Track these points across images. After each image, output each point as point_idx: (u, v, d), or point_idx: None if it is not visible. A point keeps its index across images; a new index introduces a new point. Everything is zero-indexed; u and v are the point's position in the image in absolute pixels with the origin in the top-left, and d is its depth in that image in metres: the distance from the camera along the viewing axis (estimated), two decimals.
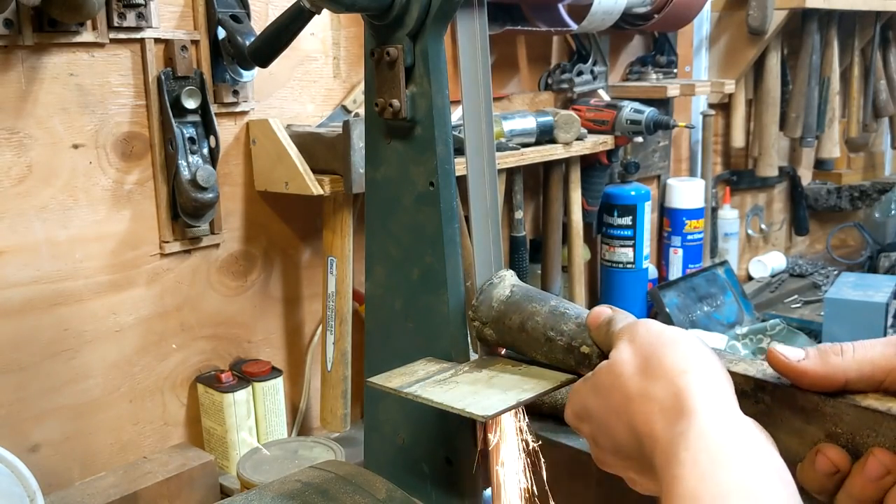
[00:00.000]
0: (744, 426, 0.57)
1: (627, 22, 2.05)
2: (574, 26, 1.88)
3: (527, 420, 0.88)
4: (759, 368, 0.65)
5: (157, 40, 1.36)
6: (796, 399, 0.63)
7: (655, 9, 2.04)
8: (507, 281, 0.87)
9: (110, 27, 1.30)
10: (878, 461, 0.58)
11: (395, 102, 0.86)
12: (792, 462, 0.56)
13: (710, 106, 2.56)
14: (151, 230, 1.41)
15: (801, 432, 0.62)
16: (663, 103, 2.19)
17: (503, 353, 0.89)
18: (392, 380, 0.83)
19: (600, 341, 0.75)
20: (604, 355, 0.74)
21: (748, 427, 0.57)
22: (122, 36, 1.32)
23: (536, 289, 0.87)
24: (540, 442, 0.88)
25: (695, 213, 2.37)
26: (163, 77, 1.35)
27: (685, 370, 0.61)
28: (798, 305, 2.51)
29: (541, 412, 1.23)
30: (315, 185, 1.41)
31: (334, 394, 1.54)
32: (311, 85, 1.59)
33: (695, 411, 0.57)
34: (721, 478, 0.52)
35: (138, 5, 1.31)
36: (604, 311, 0.76)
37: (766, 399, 0.64)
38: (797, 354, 0.62)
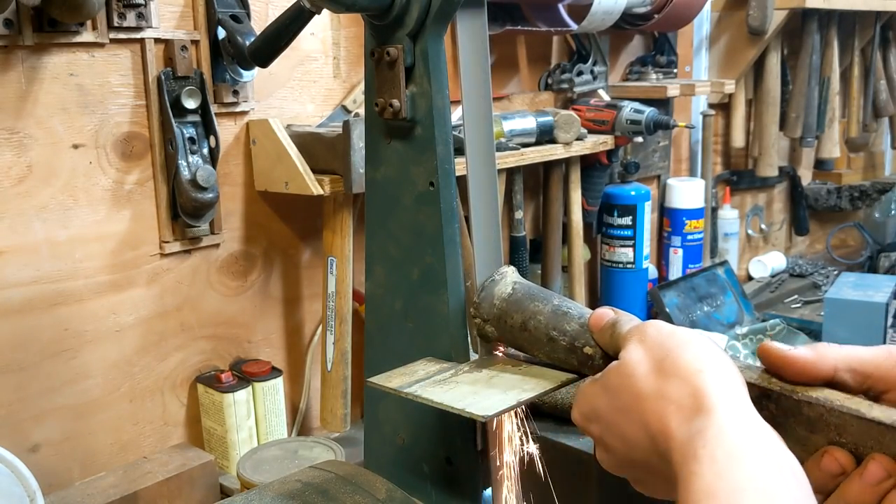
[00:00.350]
0: (759, 425, 0.58)
1: (627, 22, 2.05)
2: (574, 26, 1.88)
3: (527, 420, 0.88)
4: (765, 377, 0.65)
5: (157, 40, 1.36)
6: (801, 408, 0.63)
7: (655, 9, 2.04)
8: (509, 278, 0.87)
9: (110, 27, 1.30)
10: (879, 465, 0.58)
11: (395, 102, 0.86)
12: None
13: (710, 106, 2.56)
14: (151, 230, 1.41)
15: (804, 441, 0.63)
16: (663, 103, 2.19)
17: (503, 349, 0.89)
18: (392, 380, 0.83)
19: (604, 343, 0.75)
20: (607, 356, 0.74)
21: (763, 426, 0.58)
22: (122, 36, 1.32)
23: (538, 286, 0.87)
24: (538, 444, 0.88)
25: (695, 213, 2.37)
26: (163, 77, 1.35)
27: (700, 369, 0.61)
28: (798, 305, 2.51)
29: (541, 412, 1.23)
30: (315, 185, 1.41)
31: (334, 394, 1.54)
32: (311, 85, 1.59)
33: (712, 409, 0.58)
34: (738, 474, 0.53)
35: (138, 5, 1.31)
36: (607, 313, 0.76)
37: (770, 407, 0.65)
38: (786, 347, 0.65)
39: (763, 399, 0.65)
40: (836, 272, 2.68)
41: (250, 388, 1.48)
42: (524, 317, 0.83)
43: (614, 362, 0.69)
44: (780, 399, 0.64)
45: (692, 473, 0.54)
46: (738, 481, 0.52)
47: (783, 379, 0.65)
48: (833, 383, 0.63)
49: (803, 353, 0.63)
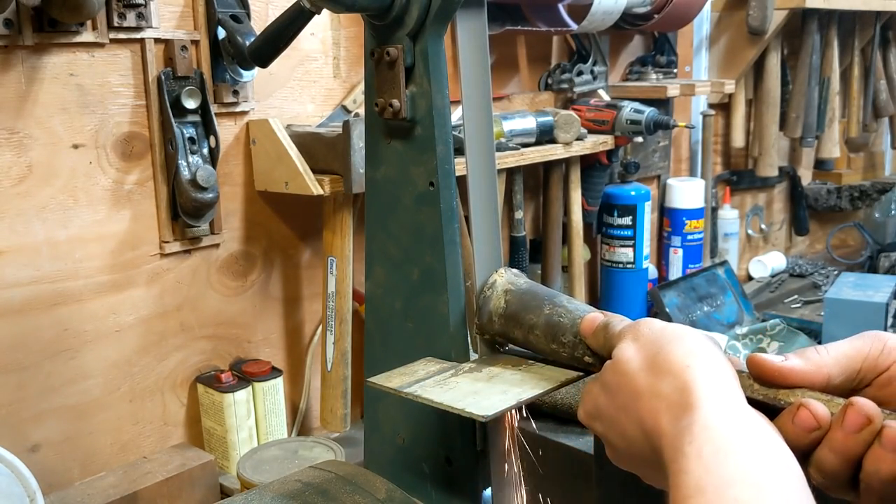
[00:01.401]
0: (749, 417, 0.57)
1: (627, 22, 2.05)
2: (574, 26, 1.88)
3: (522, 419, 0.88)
4: (747, 384, 0.65)
5: (157, 40, 1.36)
6: None
7: (655, 9, 2.04)
8: (500, 288, 0.86)
9: (110, 27, 1.30)
10: (857, 412, 0.57)
11: (395, 102, 0.86)
12: None
13: (710, 106, 2.56)
14: (151, 230, 1.41)
15: None
16: (663, 103, 2.19)
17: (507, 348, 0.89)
18: (392, 380, 0.83)
19: (598, 346, 0.75)
20: (604, 361, 0.74)
21: (753, 418, 0.58)
22: (122, 36, 1.32)
23: (529, 287, 0.86)
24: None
25: (695, 213, 2.37)
26: (163, 77, 1.35)
27: (689, 365, 0.61)
28: (798, 305, 2.51)
29: (541, 412, 1.22)
30: (315, 185, 1.41)
31: (334, 394, 1.54)
32: (311, 85, 1.59)
33: (699, 405, 0.58)
34: (726, 468, 0.52)
35: (138, 5, 1.31)
36: (596, 317, 0.76)
37: None
38: (778, 358, 0.64)
39: None
40: (836, 272, 2.68)
41: (250, 388, 1.48)
42: (523, 332, 0.83)
43: (609, 361, 0.69)
44: (762, 406, 0.63)
45: (681, 470, 0.54)
46: (726, 475, 0.52)
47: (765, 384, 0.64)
48: (828, 390, 0.63)
49: (797, 364, 0.63)
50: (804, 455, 0.59)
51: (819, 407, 0.59)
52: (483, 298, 0.87)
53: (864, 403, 0.58)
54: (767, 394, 0.63)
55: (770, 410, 0.62)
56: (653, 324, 0.68)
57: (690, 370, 0.61)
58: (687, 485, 0.53)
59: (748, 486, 0.51)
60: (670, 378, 0.61)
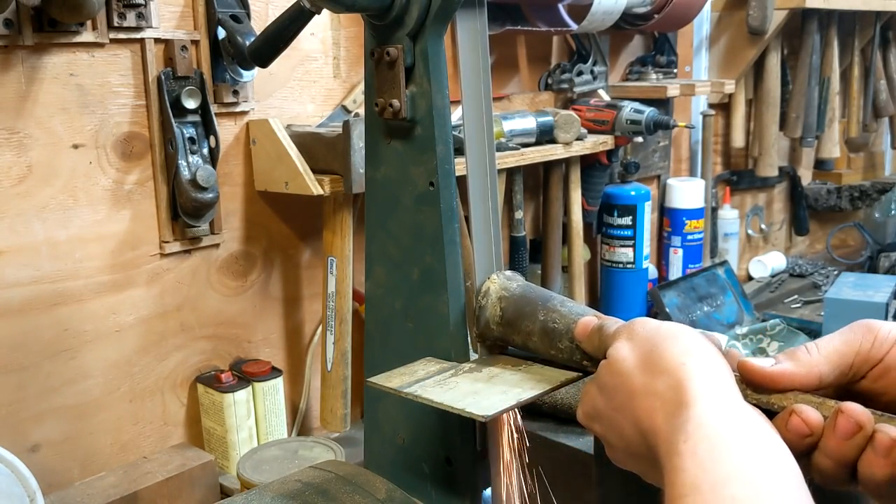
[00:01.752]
0: (744, 413, 0.57)
1: (627, 22, 2.05)
2: (574, 26, 1.88)
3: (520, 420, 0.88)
4: (740, 389, 0.65)
5: (157, 40, 1.36)
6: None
7: (655, 9, 2.04)
8: (494, 296, 0.86)
9: (110, 27, 1.30)
10: (848, 419, 0.57)
11: (395, 102, 0.86)
12: None
13: (710, 106, 2.56)
14: (151, 230, 1.41)
15: None
16: (663, 103, 2.19)
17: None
18: (392, 380, 0.83)
19: (593, 349, 0.75)
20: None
21: (749, 414, 0.57)
22: (122, 36, 1.32)
23: (522, 293, 0.86)
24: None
25: (695, 213, 2.38)
26: (163, 77, 1.35)
27: (684, 363, 0.61)
28: (798, 305, 2.51)
29: (541, 412, 1.22)
30: (315, 185, 1.41)
31: (334, 394, 1.54)
32: (311, 85, 1.59)
33: (693, 402, 0.58)
34: (721, 466, 0.52)
35: (138, 5, 1.31)
36: (590, 320, 0.77)
37: None
38: (768, 361, 0.63)
39: None
40: (836, 272, 2.68)
41: (250, 388, 1.48)
42: (522, 338, 0.84)
43: (604, 360, 0.69)
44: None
45: (676, 468, 0.54)
46: (722, 473, 0.52)
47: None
48: (820, 389, 0.63)
49: (787, 367, 0.63)
50: (801, 456, 0.59)
51: (811, 413, 0.59)
52: (479, 308, 0.87)
53: (854, 409, 0.58)
54: (760, 399, 0.63)
55: (766, 414, 0.62)
56: (647, 323, 0.68)
57: (685, 368, 0.61)
58: (683, 483, 0.53)
59: (744, 483, 0.51)
60: (665, 376, 0.61)
